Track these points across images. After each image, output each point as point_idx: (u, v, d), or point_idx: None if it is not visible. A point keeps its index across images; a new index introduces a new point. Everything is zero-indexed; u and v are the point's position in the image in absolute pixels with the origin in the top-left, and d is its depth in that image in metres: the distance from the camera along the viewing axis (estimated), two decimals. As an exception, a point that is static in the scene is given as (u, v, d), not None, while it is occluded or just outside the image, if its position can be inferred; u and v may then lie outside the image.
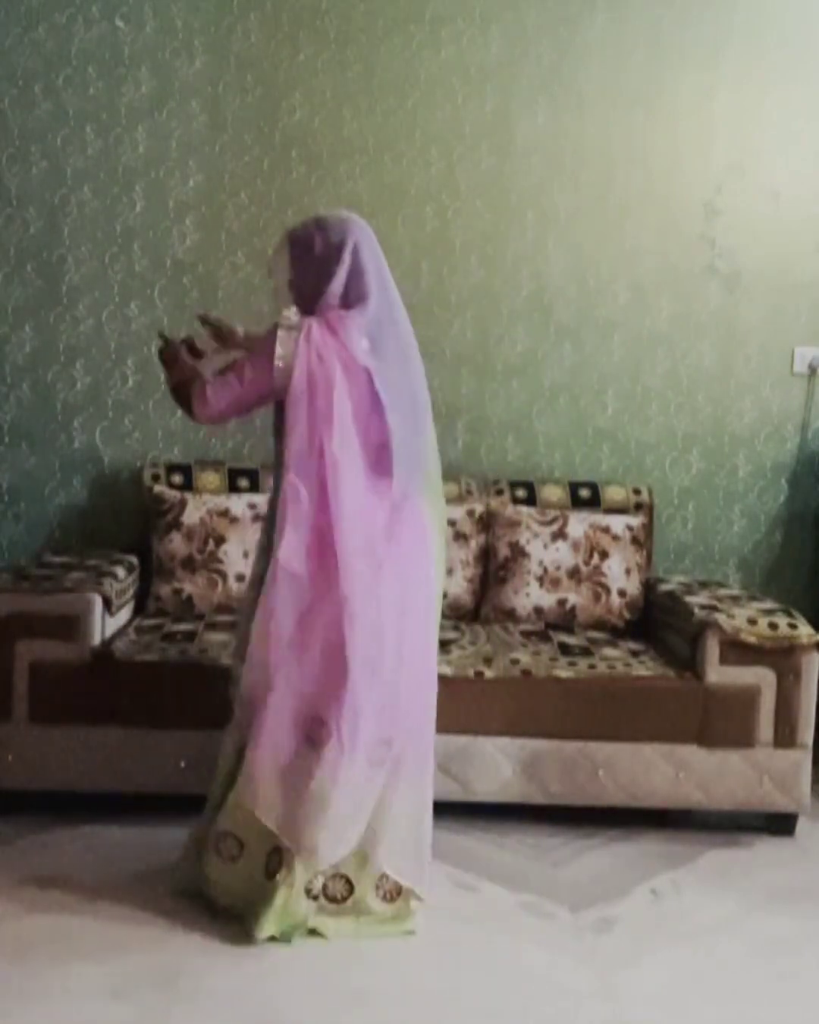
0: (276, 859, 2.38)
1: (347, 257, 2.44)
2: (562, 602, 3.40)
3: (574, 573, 3.41)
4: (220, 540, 3.36)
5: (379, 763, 2.38)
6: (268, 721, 2.36)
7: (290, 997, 2.20)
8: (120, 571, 3.23)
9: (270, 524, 2.50)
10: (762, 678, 2.96)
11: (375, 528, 2.39)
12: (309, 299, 2.45)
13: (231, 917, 2.42)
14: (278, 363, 2.37)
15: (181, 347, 2.58)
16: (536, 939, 2.46)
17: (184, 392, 2.50)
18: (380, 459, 2.40)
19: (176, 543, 3.38)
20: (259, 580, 2.47)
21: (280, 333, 2.39)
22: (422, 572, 2.48)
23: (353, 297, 2.44)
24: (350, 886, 2.41)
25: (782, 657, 2.95)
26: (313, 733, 2.36)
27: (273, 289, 2.76)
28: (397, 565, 2.41)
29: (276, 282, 2.60)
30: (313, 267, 2.45)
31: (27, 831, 2.89)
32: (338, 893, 2.41)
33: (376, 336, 2.44)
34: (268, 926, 2.34)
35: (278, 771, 2.36)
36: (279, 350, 2.37)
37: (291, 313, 2.42)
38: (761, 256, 3.70)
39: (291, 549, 2.35)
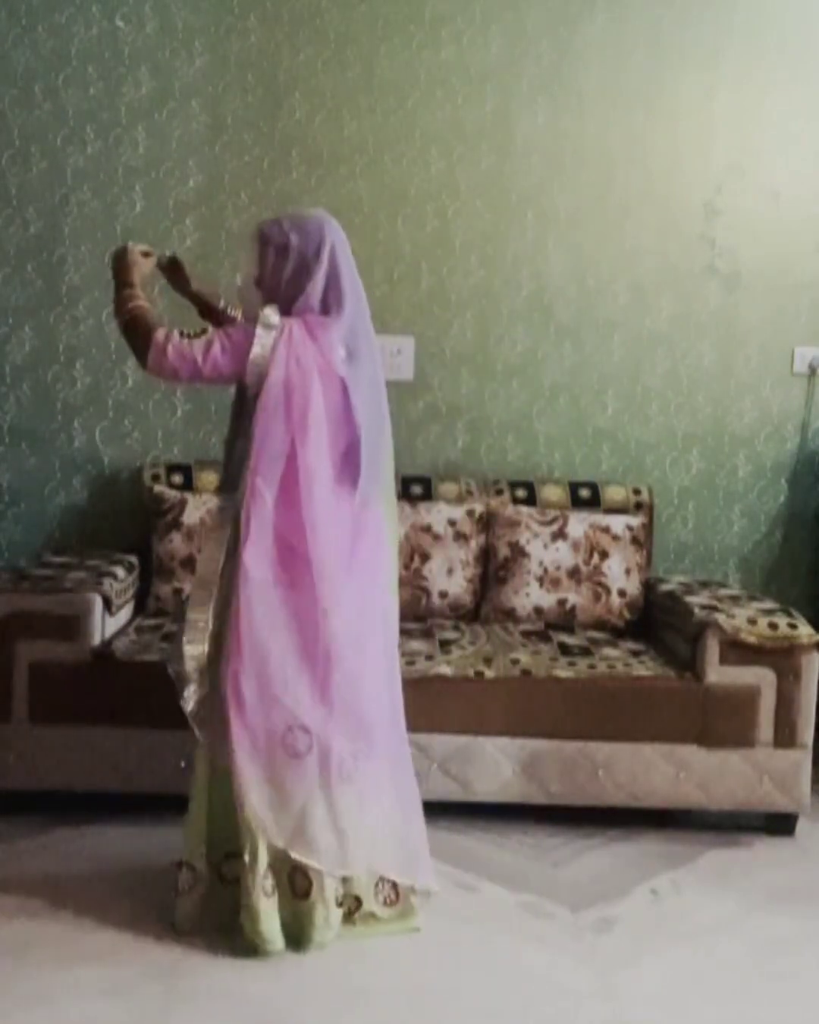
0: (302, 879, 2.33)
1: (326, 259, 2.39)
2: (562, 602, 3.40)
3: (574, 573, 3.41)
4: (220, 540, 3.35)
5: (349, 777, 2.35)
6: (249, 735, 2.31)
7: (290, 997, 2.20)
8: (120, 571, 3.23)
9: (233, 523, 2.39)
10: (762, 678, 2.96)
11: (343, 536, 2.38)
12: (285, 299, 2.39)
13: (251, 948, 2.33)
14: (252, 362, 2.33)
15: (141, 259, 2.53)
16: (536, 939, 2.46)
17: (141, 329, 2.40)
18: (344, 467, 2.38)
19: (176, 543, 3.38)
20: (210, 581, 2.41)
21: (259, 330, 2.34)
22: (382, 579, 2.48)
23: (331, 301, 2.40)
24: (358, 901, 2.40)
25: (782, 657, 2.95)
26: (292, 743, 2.31)
27: (239, 285, 2.66)
28: (360, 573, 2.39)
29: (241, 276, 2.53)
30: (287, 266, 2.39)
31: (27, 831, 2.89)
32: (350, 906, 2.40)
33: (352, 345, 2.40)
34: (318, 942, 2.33)
35: (269, 786, 2.32)
36: (256, 348, 2.33)
37: (271, 311, 2.36)
38: (761, 256, 3.70)
39: (256, 555, 2.31)
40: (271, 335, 2.34)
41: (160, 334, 2.38)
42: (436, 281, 3.71)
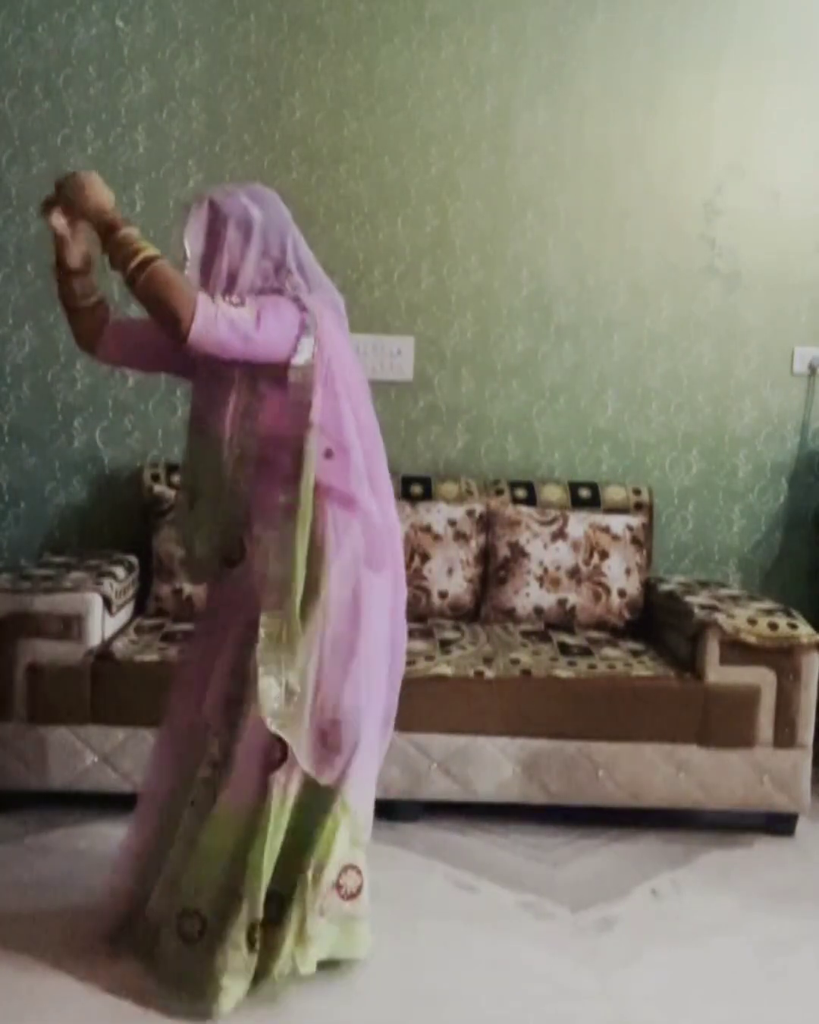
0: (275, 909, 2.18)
1: (293, 237, 2.20)
2: (562, 602, 3.40)
3: (574, 573, 3.41)
4: (220, 540, 3.35)
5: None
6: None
7: (289, 997, 2.19)
8: (120, 571, 3.23)
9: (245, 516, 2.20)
10: (762, 678, 2.96)
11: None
12: (247, 286, 2.14)
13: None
14: (294, 373, 2.11)
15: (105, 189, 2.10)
16: (536, 939, 2.46)
17: (173, 287, 1.99)
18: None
19: (176, 543, 3.38)
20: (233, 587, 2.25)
21: (304, 341, 2.10)
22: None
23: (313, 286, 2.21)
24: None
25: (782, 657, 2.95)
26: (331, 735, 2.23)
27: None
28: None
29: (180, 256, 2.13)
30: (251, 247, 2.15)
31: (27, 831, 2.89)
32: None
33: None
34: (314, 957, 2.19)
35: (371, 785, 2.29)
36: (298, 358, 2.10)
37: (300, 286, 2.14)
38: (761, 256, 3.70)
39: (341, 571, 2.20)
40: (311, 341, 2.11)
41: (203, 296, 2.02)
42: (436, 281, 3.71)
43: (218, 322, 2.01)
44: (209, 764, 2.22)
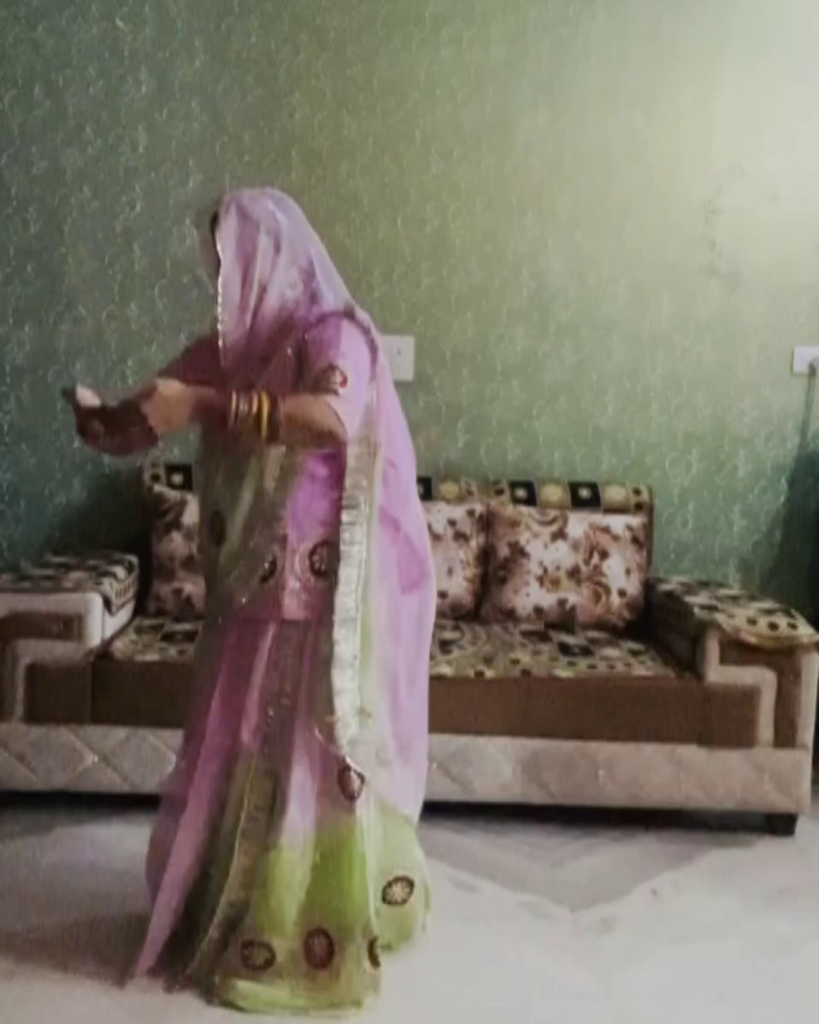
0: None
1: (315, 241, 2.13)
2: (562, 602, 3.40)
3: (574, 573, 3.41)
4: (220, 540, 3.35)
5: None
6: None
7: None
8: (120, 571, 3.23)
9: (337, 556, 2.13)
10: (762, 678, 2.96)
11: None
12: (277, 302, 2.08)
13: None
14: (357, 413, 2.06)
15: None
16: (536, 939, 2.46)
17: (307, 414, 1.94)
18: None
19: (176, 543, 3.38)
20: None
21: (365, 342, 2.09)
22: None
23: (337, 293, 2.15)
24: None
25: (782, 657, 2.95)
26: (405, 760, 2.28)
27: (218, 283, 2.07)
28: None
29: (211, 266, 2.06)
30: (281, 257, 2.07)
31: (27, 831, 2.89)
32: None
33: None
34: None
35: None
36: (365, 396, 2.08)
37: (356, 309, 2.09)
38: (761, 256, 3.70)
39: (392, 585, 2.23)
40: (369, 380, 2.10)
41: (333, 400, 1.97)
42: (436, 281, 3.71)
43: (353, 415, 2.00)
44: (258, 793, 2.15)
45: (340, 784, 2.13)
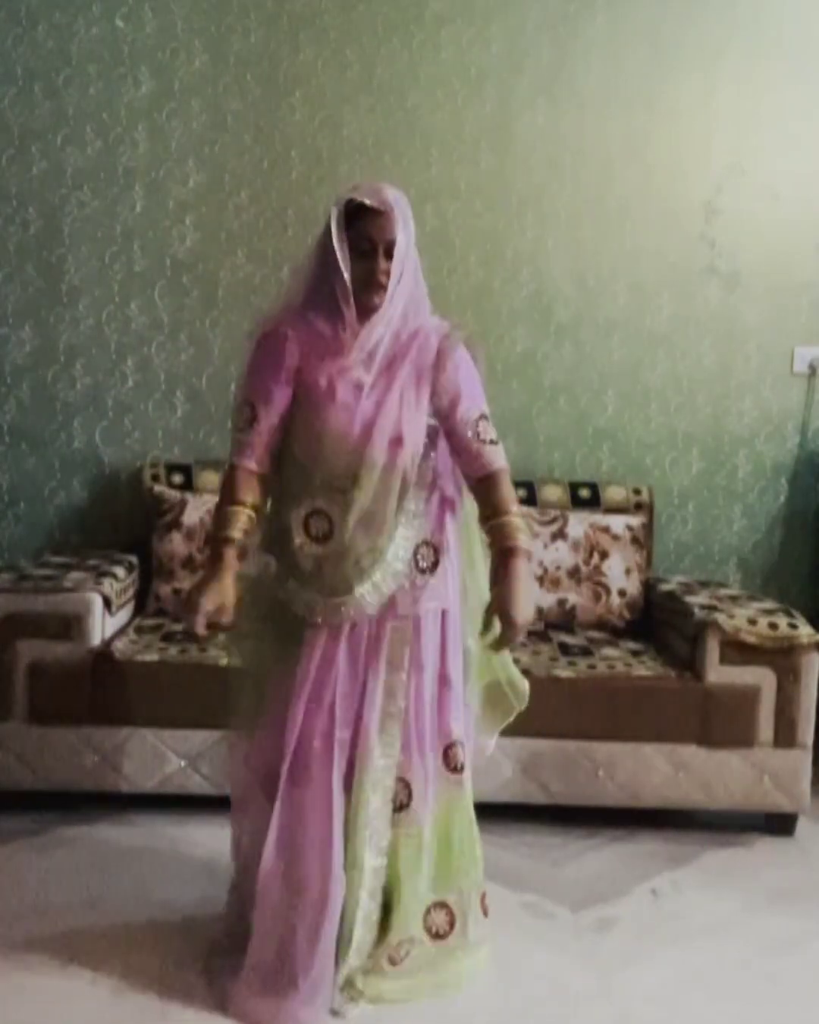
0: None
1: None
2: (562, 602, 3.40)
3: (574, 573, 3.41)
4: (220, 540, 3.35)
5: None
6: None
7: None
8: (120, 571, 3.23)
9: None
10: (762, 678, 2.96)
11: None
12: (415, 305, 2.17)
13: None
14: None
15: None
16: (536, 939, 2.46)
17: (496, 495, 2.17)
18: None
19: (176, 543, 3.38)
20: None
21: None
22: None
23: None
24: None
25: (782, 657, 2.95)
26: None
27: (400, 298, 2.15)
28: None
29: (406, 284, 2.13)
30: (417, 259, 2.17)
31: (27, 831, 2.89)
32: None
33: None
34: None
35: None
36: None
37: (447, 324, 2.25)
38: (761, 256, 3.70)
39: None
40: None
41: (496, 451, 2.20)
42: (436, 281, 3.66)
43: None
44: (381, 789, 2.16)
45: (445, 760, 2.24)
